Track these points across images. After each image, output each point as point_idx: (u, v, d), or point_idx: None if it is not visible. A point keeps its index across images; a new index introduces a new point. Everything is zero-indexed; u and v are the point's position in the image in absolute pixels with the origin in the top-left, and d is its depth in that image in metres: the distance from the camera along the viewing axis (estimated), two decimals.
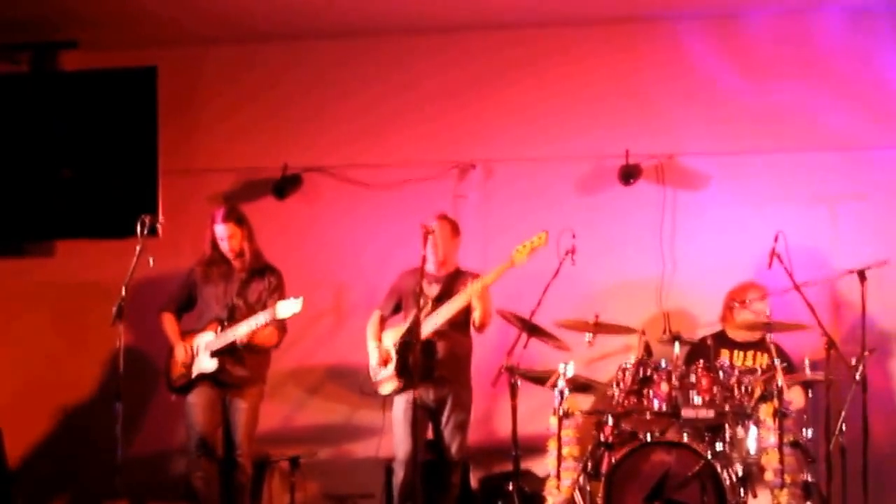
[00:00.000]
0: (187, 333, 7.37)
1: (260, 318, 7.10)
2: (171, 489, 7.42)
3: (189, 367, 7.26)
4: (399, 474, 7.13)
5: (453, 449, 7.25)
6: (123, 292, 6.72)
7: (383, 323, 7.45)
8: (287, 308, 7.04)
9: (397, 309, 7.45)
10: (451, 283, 7.30)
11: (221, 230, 7.30)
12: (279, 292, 7.29)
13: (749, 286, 7.46)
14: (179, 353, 7.29)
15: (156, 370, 7.65)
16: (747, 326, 7.25)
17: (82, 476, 7.98)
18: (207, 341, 7.25)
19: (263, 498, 7.83)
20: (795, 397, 6.95)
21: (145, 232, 6.83)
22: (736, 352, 7.40)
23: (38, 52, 8.36)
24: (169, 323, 7.44)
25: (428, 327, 7.09)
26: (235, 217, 7.33)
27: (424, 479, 7.13)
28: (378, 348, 7.31)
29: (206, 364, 7.23)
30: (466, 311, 7.19)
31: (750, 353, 7.40)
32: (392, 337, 7.30)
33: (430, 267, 7.22)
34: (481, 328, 7.23)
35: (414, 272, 7.23)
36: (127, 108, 8.11)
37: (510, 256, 7.12)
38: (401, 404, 7.19)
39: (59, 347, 8.40)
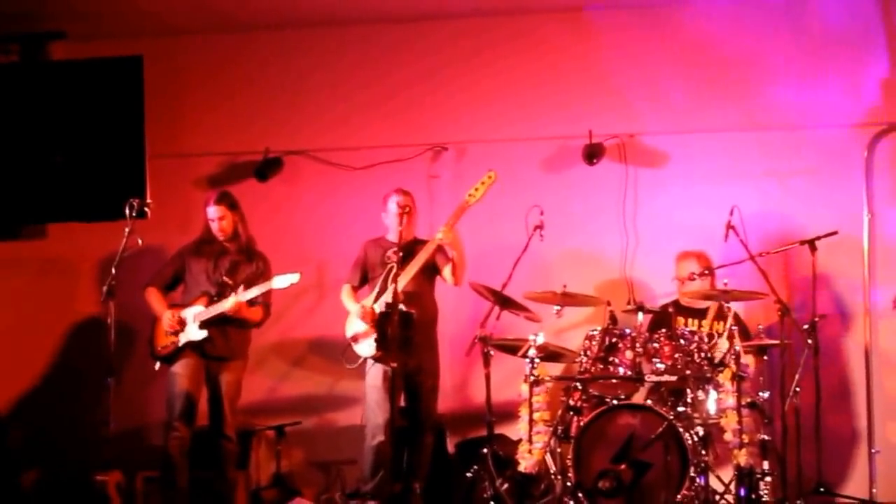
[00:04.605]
0: (174, 307, 7.23)
1: (255, 290, 7.02)
2: (155, 460, 7.27)
3: (177, 335, 7.11)
4: (378, 438, 6.99)
5: (427, 412, 7.15)
6: (113, 271, 6.68)
7: (355, 293, 7.31)
8: (283, 280, 7.00)
9: (364, 280, 7.31)
10: (413, 250, 7.11)
11: (212, 212, 7.21)
12: (265, 278, 7.16)
13: (680, 258, 7.43)
14: (167, 321, 7.13)
15: (141, 345, 7.51)
16: (702, 296, 7.18)
17: (73, 449, 7.84)
18: (196, 312, 7.10)
19: (251, 466, 7.78)
20: (750, 361, 6.85)
21: (133, 214, 6.79)
22: (690, 319, 7.33)
23: (28, 43, 8.24)
24: (154, 296, 7.28)
25: (399, 285, 6.86)
26: (227, 201, 7.24)
27: (400, 442, 7.02)
28: (361, 307, 7.11)
29: (194, 333, 7.08)
30: (433, 270, 7.06)
31: (704, 321, 7.29)
32: (369, 302, 7.16)
33: (393, 237, 7.06)
34: (458, 275, 7.06)
35: (376, 242, 7.26)
36: (115, 96, 7.98)
37: (464, 199, 7.00)
38: (377, 373, 7.05)
39: (52, 324, 8.30)
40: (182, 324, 7.11)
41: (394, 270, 6.84)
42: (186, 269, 7.27)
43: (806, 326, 6.92)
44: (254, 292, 7.02)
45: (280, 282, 7.03)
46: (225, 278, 7.14)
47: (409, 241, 7.15)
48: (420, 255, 7.00)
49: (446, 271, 7.08)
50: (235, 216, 7.24)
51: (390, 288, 6.80)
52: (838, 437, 7.49)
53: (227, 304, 7.01)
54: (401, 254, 6.91)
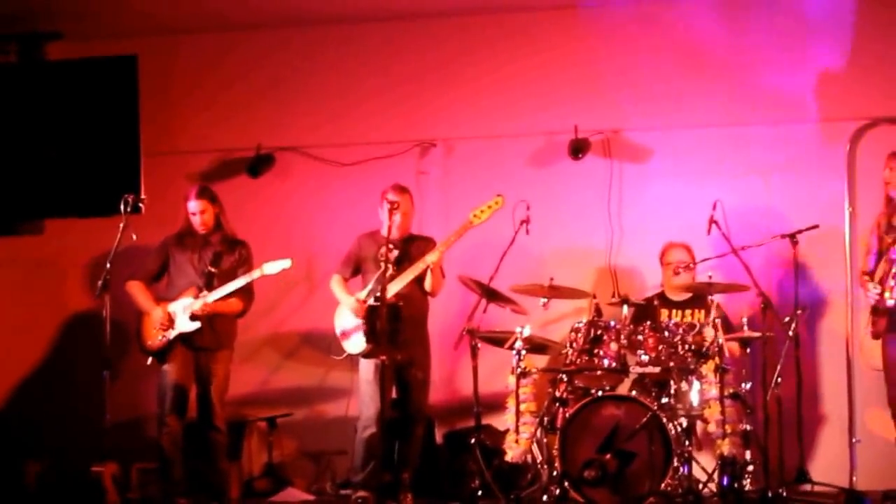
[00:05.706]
0: (161, 300, 7.18)
1: (246, 278, 7.02)
2: (150, 452, 7.27)
3: (167, 329, 7.06)
4: (370, 430, 6.98)
5: (417, 405, 7.13)
6: (108, 266, 6.67)
7: (345, 284, 7.26)
8: (274, 266, 7.00)
9: (355, 272, 7.28)
10: (408, 246, 7.12)
11: (193, 206, 7.19)
12: (248, 264, 7.17)
13: (666, 248, 7.42)
14: (157, 317, 7.08)
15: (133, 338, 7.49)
16: (686, 288, 7.18)
17: (69, 441, 7.82)
18: (185, 304, 7.06)
19: (243, 457, 7.76)
20: (733, 350, 6.89)
21: (129, 210, 6.78)
22: (674, 311, 7.34)
23: (25, 43, 8.22)
24: (140, 290, 7.23)
25: (391, 290, 6.89)
26: (208, 195, 7.22)
27: (391, 434, 7.01)
28: (355, 300, 7.08)
29: (186, 325, 7.03)
30: (424, 274, 7.05)
31: (688, 312, 7.32)
32: (362, 296, 7.12)
33: (384, 232, 7.02)
34: (433, 292, 7.11)
35: (370, 237, 7.20)
36: (110, 95, 7.96)
37: (468, 219, 6.99)
38: (369, 366, 7.03)
39: (48, 319, 8.31)
40: (171, 320, 7.06)
41: (389, 271, 6.80)
42: (171, 262, 7.24)
43: (787, 319, 6.89)
44: (219, 293, 6.99)
45: (271, 268, 7.02)
46: (211, 268, 7.12)
47: (404, 238, 7.14)
48: (410, 270, 6.96)
49: (427, 282, 7.06)
50: (216, 209, 7.21)
51: (373, 280, 6.84)
52: (819, 427, 7.50)
53: (196, 305, 6.98)
54: (395, 251, 6.88)
